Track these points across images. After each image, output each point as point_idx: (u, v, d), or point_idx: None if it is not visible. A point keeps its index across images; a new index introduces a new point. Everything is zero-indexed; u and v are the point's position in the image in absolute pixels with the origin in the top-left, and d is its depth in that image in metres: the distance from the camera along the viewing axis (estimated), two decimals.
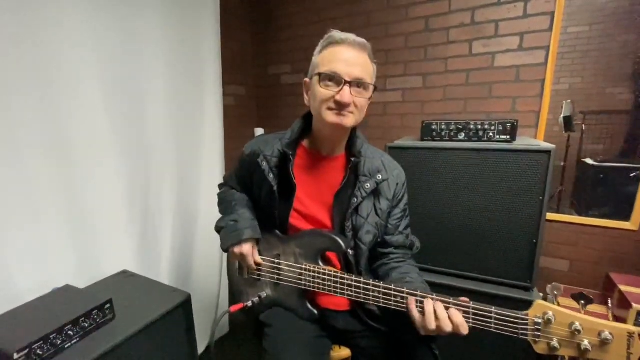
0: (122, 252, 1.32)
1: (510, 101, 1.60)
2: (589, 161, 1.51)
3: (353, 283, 0.80)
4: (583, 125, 1.49)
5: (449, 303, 0.69)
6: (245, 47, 2.23)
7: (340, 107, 0.80)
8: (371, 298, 0.78)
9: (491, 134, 1.23)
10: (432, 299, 0.70)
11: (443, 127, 1.30)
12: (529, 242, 1.20)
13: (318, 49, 0.85)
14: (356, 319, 0.93)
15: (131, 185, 1.35)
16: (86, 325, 0.89)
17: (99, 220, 1.24)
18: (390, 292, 0.75)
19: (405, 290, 0.73)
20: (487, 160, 1.21)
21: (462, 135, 1.28)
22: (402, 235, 0.95)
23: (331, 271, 0.84)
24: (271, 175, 0.90)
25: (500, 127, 1.22)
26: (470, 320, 0.67)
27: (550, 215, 1.54)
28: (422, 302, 0.70)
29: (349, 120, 0.82)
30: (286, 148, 0.88)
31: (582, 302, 0.58)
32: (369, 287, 0.78)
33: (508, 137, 1.22)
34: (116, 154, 1.27)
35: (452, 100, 1.73)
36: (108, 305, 0.96)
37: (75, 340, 0.87)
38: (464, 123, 1.28)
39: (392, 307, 0.75)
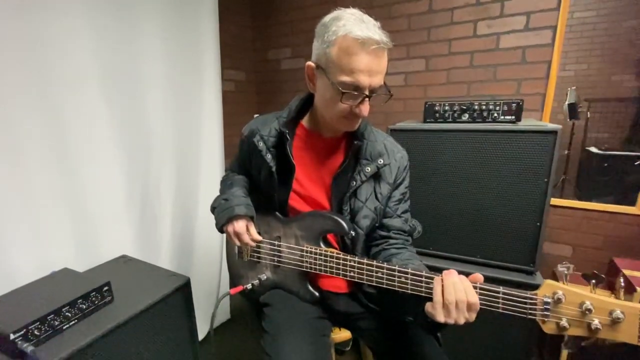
0: (121, 237, 1.32)
1: (515, 84, 1.56)
2: (594, 149, 1.48)
3: (356, 265, 0.78)
4: (588, 113, 1.46)
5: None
6: (245, 31, 2.18)
7: (356, 117, 0.78)
8: (374, 279, 0.76)
9: (495, 114, 1.20)
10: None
11: (446, 108, 1.27)
12: (533, 225, 1.18)
13: (330, 34, 0.71)
14: (356, 301, 0.92)
15: (131, 170, 1.33)
16: (84, 307, 0.88)
17: (98, 205, 1.23)
18: (394, 273, 0.73)
19: (409, 271, 0.71)
20: (491, 142, 1.19)
21: (465, 116, 1.24)
22: (400, 219, 0.92)
23: (333, 253, 0.82)
24: (269, 156, 0.87)
25: (505, 108, 1.19)
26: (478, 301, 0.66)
27: (554, 200, 1.52)
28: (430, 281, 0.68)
29: (359, 123, 0.82)
30: (283, 127, 0.85)
31: (594, 281, 0.56)
32: (372, 268, 0.76)
33: (513, 117, 1.19)
34: (115, 139, 1.26)
35: (455, 84, 1.69)
36: (106, 288, 0.95)
37: (73, 322, 0.86)
38: (467, 104, 1.24)
39: (396, 289, 0.74)
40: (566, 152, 1.53)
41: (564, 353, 1.24)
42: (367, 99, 0.74)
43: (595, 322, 0.57)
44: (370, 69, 0.70)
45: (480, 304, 0.65)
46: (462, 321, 0.63)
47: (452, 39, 1.65)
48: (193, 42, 1.54)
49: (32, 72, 1.01)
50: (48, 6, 1.03)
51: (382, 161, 0.86)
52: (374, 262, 0.76)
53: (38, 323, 0.78)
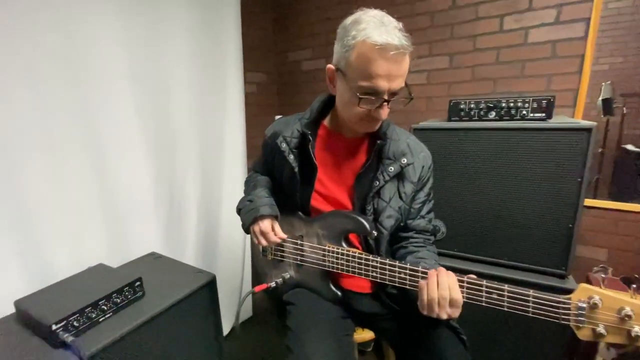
0: (151, 235, 1.37)
1: (544, 80, 1.50)
2: (630, 147, 1.40)
3: (378, 264, 0.78)
4: (624, 109, 1.37)
5: (462, 281, 0.67)
6: (266, 33, 2.21)
7: (375, 120, 0.78)
8: (397, 280, 0.76)
9: (524, 112, 1.16)
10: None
11: (472, 106, 1.24)
12: (565, 227, 1.13)
13: (350, 39, 0.71)
14: (379, 302, 0.91)
15: (158, 172, 1.39)
16: (118, 300, 0.93)
17: (129, 206, 1.28)
18: (417, 273, 0.73)
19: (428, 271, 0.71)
20: (520, 140, 1.14)
21: (492, 114, 1.20)
22: (424, 219, 0.91)
23: (355, 252, 0.82)
24: (291, 157, 0.88)
25: (535, 105, 1.14)
26: (505, 304, 0.64)
27: (587, 201, 1.45)
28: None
29: (379, 125, 0.82)
30: (305, 128, 0.86)
31: (634, 286, 0.53)
32: (394, 268, 0.76)
33: (543, 114, 1.14)
34: (143, 144, 1.31)
35: (480, 81, 1.64)
36: (138, 283, 0.99)
37: (108, 315, 0.91)
38: (494, 101, 1.20)
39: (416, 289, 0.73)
40: (600, 150, 1.45)
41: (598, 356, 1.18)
42: (385, 103, 0.74)
43: (636, 329, 0.54)
44: (389, 74, 0.70)
45: (509, 307, 0.63)
46: (444, 316, 0.67)
47: (477, 34, 1.61)
48: (216, 44, 1.58)
49: (68, 77, 1.07)
50: (83, 8, 1.08)
51: (405, 160, 0.85)
52: (397, 263, 0.75)
53: (77, 315, 0.83)
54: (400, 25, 0.71)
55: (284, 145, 0.89)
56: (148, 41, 1.28)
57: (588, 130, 1.05)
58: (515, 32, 1.53)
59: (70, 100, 1.08)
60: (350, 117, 0.79)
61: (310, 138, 0.86)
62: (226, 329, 1.76)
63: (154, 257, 1.30)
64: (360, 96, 0.72)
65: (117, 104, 1.21)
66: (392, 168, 0.84)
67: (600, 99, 1.40)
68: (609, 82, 1.37)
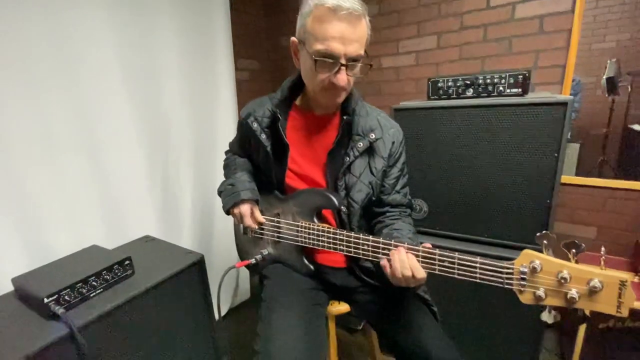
0: (145, 219, 1.43)
1: (532, 56, 1.48)
2: (637, 127, 1.36)
3: (344, 238, 0.81)
4: (629, 87, 1.33)
5: (417, 251, 0.70)
6: (257, 20, 2.21)
7: (336, 88, 0.79)
8: (361, 252, 0.79)
9: (501, 88, 1.15)
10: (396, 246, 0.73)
11: (450, 84, 1.24)
12: (543, 203, 1.14)
13: (306, 7, 0.75)
14: (353, 276, 0.95)
15: (152, 158, 1.44)
16: (108, 277, 0.99)
17: (124, 191, 1.34)
18: (378, 245, 0.76)
19: (392, 242, 0.74)
20: (497, 117, 1.14)
21: (470, 92, 1.20)
22: (399, 194, 0.94)
23: (324, 227, 0.86)
24: (263, 136, 0.91)
25: (512, 80, 1.13)
26: (456, 271, 0.67)
27: (577, 179, 1.45)
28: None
29: (343, 96, 0.84)
30: (275, 108, 0.89)
31: (574, 250, 0.55)
32: (359, 241, 0.79)
33: (519, 90, 1.13)
34: (137, 133, 1.36)
35: (468, 60, 1.62)
36: (127, 262, 1.05)
37: (99, 291, 0.97)
38: (472, 78, 1.20)
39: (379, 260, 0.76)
40: (604, 130, 1.41)
41: (582, 327, 1.20)
42: (343, 68, 0.75)
43: (572, 292, 0.56)
44: (343, 36, 0.72)
45: (459, 274, 0.66)
46: (411, 286, 0.72)
47: (464, 12, 1.58)
48: (205, 32, 1.60)
49: (62, 68, 1.12)
50: (75, 7, 1.13)
51: (374, 136, 0.87)
52: (361, 235, 0.78)
53: (68, 290, 0.89)
54: None
55: (255, 125, 0.92)
56: (137, 32, 1.31)
57: (563, 104, 1.04)
58: (502, 8, 1.50)
59: (66, 92, 1.13)
60: (314, 87, 0.82)
61: (280, 117, 0.88)
62: (223, 310, 1.84)
63: (147, 239, 1.36)
64: (316, 58, 0.74)
65: (110, 94, 1.25)
66: (362, 144, 0.87)
67: (604, 77, 1.37)
68: (614, 59, 1.33)
